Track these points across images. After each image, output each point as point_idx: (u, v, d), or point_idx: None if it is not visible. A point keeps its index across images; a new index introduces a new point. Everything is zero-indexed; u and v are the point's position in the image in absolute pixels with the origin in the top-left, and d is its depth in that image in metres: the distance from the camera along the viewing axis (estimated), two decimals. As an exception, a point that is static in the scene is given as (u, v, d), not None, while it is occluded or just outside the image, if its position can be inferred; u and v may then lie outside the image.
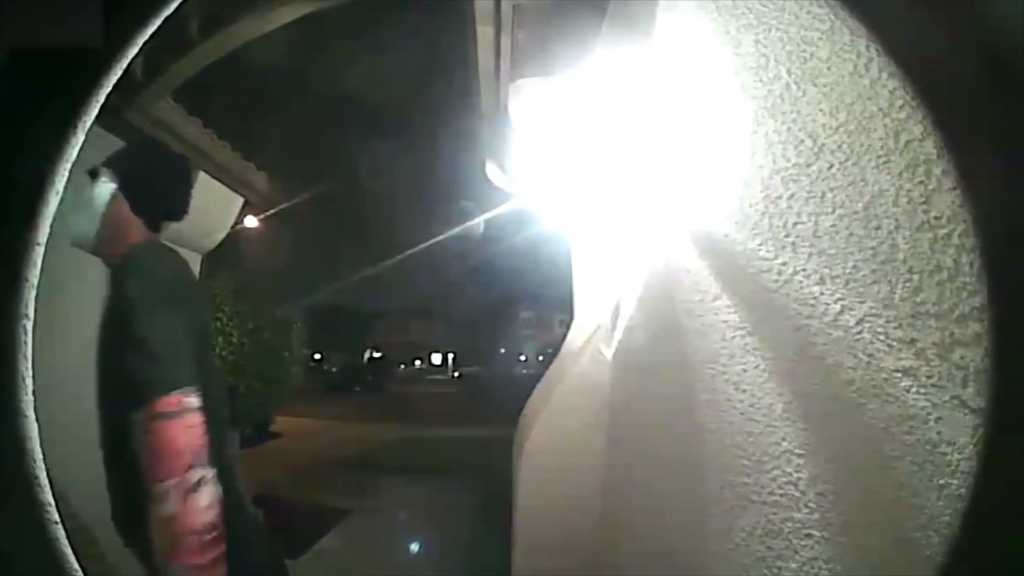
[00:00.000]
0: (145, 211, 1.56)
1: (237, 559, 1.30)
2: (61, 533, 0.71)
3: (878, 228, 0.79)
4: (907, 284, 0.74)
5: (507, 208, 4.04)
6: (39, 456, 0.70)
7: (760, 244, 1.11)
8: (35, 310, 0.71)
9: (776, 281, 1.05)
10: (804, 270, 0.96)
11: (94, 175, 1.53)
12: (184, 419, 1.26)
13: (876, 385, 0.79)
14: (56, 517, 0.71)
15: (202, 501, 1.24)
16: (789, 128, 1.00)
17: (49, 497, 0.71)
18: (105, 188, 1.53)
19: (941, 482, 0.67)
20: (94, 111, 0.70)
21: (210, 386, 1.38)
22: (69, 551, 0.71)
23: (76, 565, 0.72)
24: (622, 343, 2.32)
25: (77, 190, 1.31)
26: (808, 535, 0.95)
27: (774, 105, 1.05)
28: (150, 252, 1.50)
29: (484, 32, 2.63)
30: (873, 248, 0.80)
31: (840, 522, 0.89)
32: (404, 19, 2.91)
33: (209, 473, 1.27)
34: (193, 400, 1.29)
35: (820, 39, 0.91)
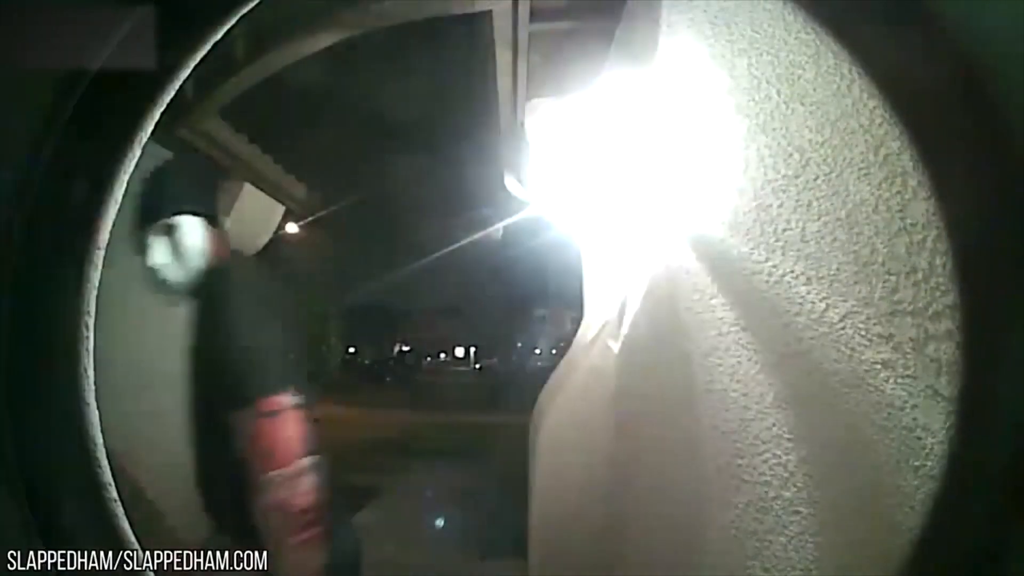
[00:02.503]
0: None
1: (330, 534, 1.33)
2: (120, 510, 0.72)
3: (859, 233, 0.79)
4: (885, 284, 0.74)
5: (524, 216, 4.04)
6: (100, 440, 0.71)
7: (752, 248, 1.11)
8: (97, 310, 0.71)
9: (767, 282, 1.05)
10: (792, 272, 0.96)
11: (170, 228, 1.43)
12: (290, 415, 1.29)
13: (857, 376, 0.79)
14: (115, 495, 0.72)
15: (306, 486, 1.27)
16: (779, 143, 1.01)
17: (109, 477, 0.71)
18: (198, 228, 1.46)
19: (916, 464, 0.68)
20: (149, 127, 0.71)
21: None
22: (127, 525, 0.73)
23: (133, 538, 0.73)
24: (628, 338, 2.32)
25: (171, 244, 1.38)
26: (796, 511, 0.95)
27: (765, 122, 1.05)
28: (243, 265, 1.50)
29: (503, 56, 2.64)
30: (855, 252, 0.80)
31: (825, 500, 0.89)
32: (430, 45, 2.92)
33: (310, 461, 1.30)
34: (294, 398, 1.31)
35: (807, 63, 0.91)
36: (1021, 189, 0.57)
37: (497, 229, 5.62)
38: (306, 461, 1.30)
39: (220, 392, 1.32)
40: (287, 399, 1.30)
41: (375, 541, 4.29)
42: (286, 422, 1.29)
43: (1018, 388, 0.57)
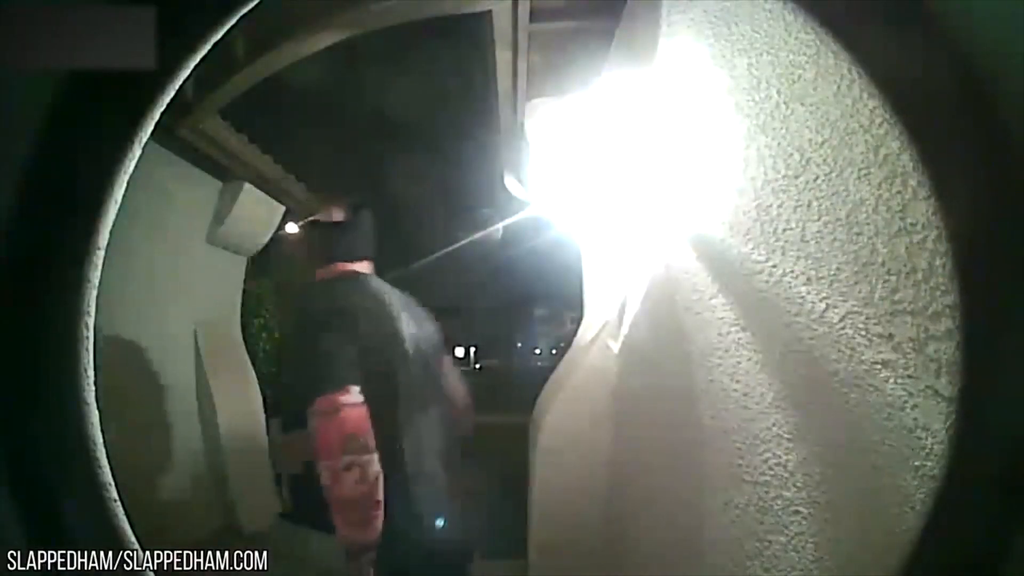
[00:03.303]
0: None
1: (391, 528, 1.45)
2: (120, 510, 0.72)
3: (859, 234, 0.79)
4: (885, 284, 0.74)
5: (524, 215, 4.04)
6: (99, 440, 0.70)
7: (752, 248, 1.11)
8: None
9: (767, 282, 1.05)
10: (792, 272, 0.96)
11: None
12: (346, 413, 1.40)
13: (858, 376, 0.79)
14: (115, 495, 0.72)
15: (352, 480, 1.37)
16: (779, 143, 1.01)
17: (109, 477, 0.71)
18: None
19: (916, 464, 0.68)
20: (150, 127, 0.71)
21: (396, 387, 1.56)
22: (127, 525, 0.72)
23: (133, 538, 0.72)
24: (627, 338, 2.32)
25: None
26: (796, 511, 0.95)
27: (765, 122, 1.05)
28: (311, 293, 1.71)
29: (502, 56, 2.64)
30: (855, 252, 0.80)
31: (825, 500, 0.89)
32: (430, 45, 2.92)
33: (364, 457, 1.39)
34: (351, 397, 1.41)
35: (807, 62, 0.91)
36: (1021, 189, 0.57)
37: (497, 229, 5.61)
38: (354, 458, 1.38)
39: (303, 393, 1.45)
40: (341, 398, 1.40)
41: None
42: (336, 420, 1.38)
43: (1018, 388, 0.57)
